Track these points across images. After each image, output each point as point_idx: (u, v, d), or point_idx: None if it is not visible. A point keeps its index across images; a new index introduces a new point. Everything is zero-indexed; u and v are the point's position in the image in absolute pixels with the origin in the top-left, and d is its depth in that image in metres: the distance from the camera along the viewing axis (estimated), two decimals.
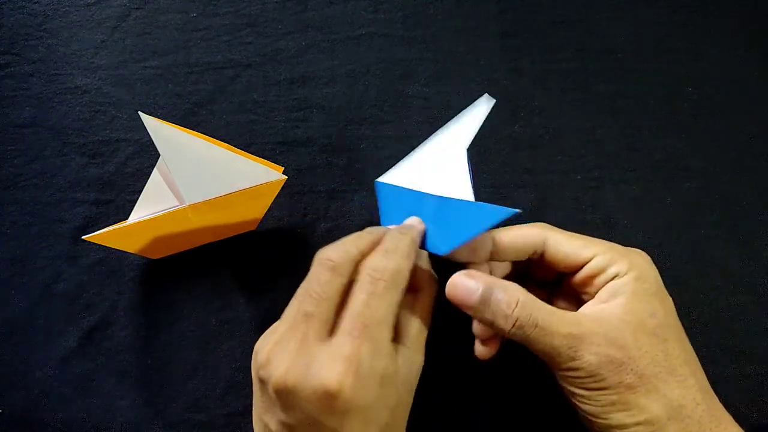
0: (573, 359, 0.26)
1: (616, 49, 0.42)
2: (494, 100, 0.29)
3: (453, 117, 0.41)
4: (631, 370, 0.25)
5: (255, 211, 0.36)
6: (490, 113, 0.41)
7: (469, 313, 0.28)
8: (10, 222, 0.39)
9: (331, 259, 0.26)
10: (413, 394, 0.27)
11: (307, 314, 0.25)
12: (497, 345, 0.31)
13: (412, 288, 0.29)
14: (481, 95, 0.41)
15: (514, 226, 0.30)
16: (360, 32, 0.43)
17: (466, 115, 0.32)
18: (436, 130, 0.32)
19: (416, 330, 0.28)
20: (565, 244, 0.29)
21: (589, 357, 0.25)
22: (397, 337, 0.27)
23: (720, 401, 0.27)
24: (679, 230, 0.38)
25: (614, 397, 0.25)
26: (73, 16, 0.43)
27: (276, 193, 0.35)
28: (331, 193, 0.40)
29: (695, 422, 0.26)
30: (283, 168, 0.36)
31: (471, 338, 0.32)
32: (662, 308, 0.27)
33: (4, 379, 0.36)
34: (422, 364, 0.28)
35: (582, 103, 0.41)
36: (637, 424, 0.25)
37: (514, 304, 0.26)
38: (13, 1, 0.43)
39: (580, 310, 0.28)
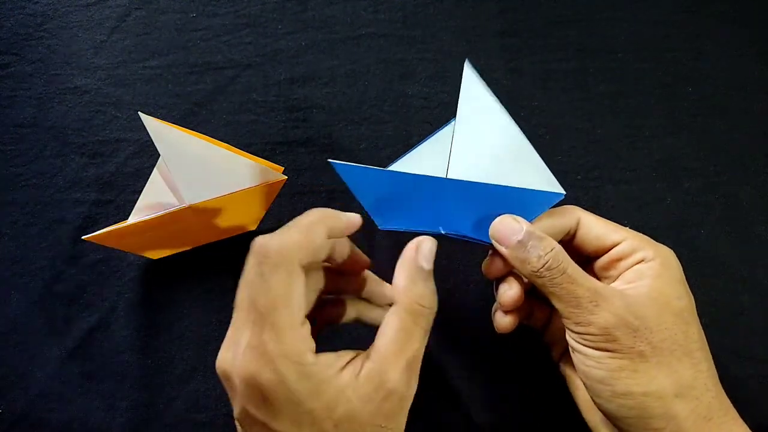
0: (591, 312, 0.26)
1: (616, 49, 0.42)
2: (468, 63, 0.29)
3: (453, 117, 0.41)
4: (646, 339, 0.25)
5: (255, 211, 0.36)
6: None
7: (504, 252, 0.28)
8: (10, 222, 0.39)
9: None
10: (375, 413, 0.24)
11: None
12: (518, 318, 0.31)
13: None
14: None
15: (548, 212, 0.30)
16: (360, 32, 0.43)
17: (465, 94, 0.30)
18: (437, 130, 0.32)
19: (384, 342, 0.25)
20: (596, 227, 0.29)
21: (606, 315, 0.25)
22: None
23: None
24: (679, 230, 0.38)
25: (625, 362, 0.25)
26: (73, 16, 0.43)
27: (276, 193, 0.35)
28: (331, 193, 0.40)
29: (704, 406, 0.26)
30: (283, 168, 0.36)
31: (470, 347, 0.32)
32: (687, 296, 0.28)
33: (4, 379, 0.36)
34: (392, 386, 0.24)
35: (582, 103, 0.41)
36: (644, 394, 0.25)
37: (550, 248, 0.27)
38: (13, 1, 0.43)
39: (621, 289, 0.28)
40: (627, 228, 0.30)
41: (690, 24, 0.43)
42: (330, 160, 0.28)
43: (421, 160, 0.31)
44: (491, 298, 0.38)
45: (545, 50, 0.42)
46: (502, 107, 0.30)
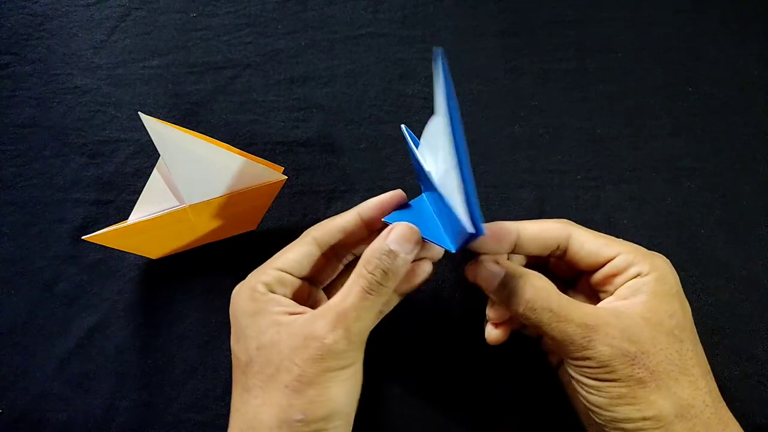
0: (586, 348, 0.26)
1: (616, 49, 0.42)
2: (439, 50, 0.25)
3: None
4: (644, 365, 0.25)
5: (255, 211, 0.36)
6: (489, 113, 0.41)
7: (488, 293, 0.29)
8: (10, 222, 0.39)
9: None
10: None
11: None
12: (508, 330, 0.31)
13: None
14: (480, 94, 0.41)
15: (539, 220, 0.30)
16: (360, 32, 0.43)
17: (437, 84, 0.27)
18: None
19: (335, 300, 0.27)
20: (588, 242, 0.29)
21: (602, 348, 0.25)
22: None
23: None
24: (679, 230, 0.38)
25: (623, 390, 0.25)
26: (73, 16, 0.43)
27: (276, 193, 0.35)
28: (331, 193, 0.40)
29: (702, 423, 0.25)
30: (283, 168, 0.36)
31: (464, 345, 0.32)
32: (681, 311, 0.27)
33: (4, 379, 0.36)
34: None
35: (582, 103, 0.41)
36: (644, 419, 0.25)
37: (531, 289, 0.27)
38: (13, 1, 0.43)
39: (598, 305, 0.28)
40: (622, 240, 0.29)
41: (690, 24, 0.43)
42: (425, 238, 0.27)
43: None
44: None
45: (545, 50, 0.42)
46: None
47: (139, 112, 0.30)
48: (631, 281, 0.28)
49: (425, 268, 0.30)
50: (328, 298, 0.31)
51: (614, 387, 0.26)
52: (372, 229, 0.30)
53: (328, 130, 0.41)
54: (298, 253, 0.29)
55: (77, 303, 0.38)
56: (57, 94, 0.41)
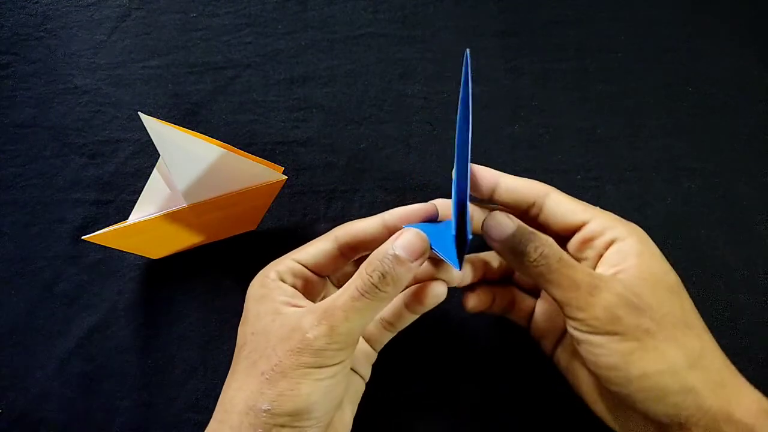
0: (592, 294, 0.26)
1: (616, 49, 0.42)
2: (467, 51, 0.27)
3: (453, 117, 0.41)
4: (649, 317, 0.25)
5: (255, 210, 0.36)
6: (489, 113, 0.41)
7: (495, 246, 0.28)
8: (10, 222, 0.39)
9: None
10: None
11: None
12: (487, 297, 0.32)
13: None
14: (480, 94, 0.41)
15: (520, 177, 0.30)
16: (360, 32, 0.43)
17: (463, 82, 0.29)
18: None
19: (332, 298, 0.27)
20: (565, 203, 0.29)
21: (607, 294, 0.26)
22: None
23: None
24: (679, 230, 0.38)
25: (634, 344, 0.25)
26: (73, 16, 0.43)
27: (276, 193, 0.35)
28: (331, 193, 0.40)
29: (716, 373, 0.26)
30: (283, 168, 0.36)
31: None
32: (672, 270, 0.28)
33: (4, 379, 0.36)
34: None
35: (582, 103, 0.41)
36: (659, 372, 0.25)
37: (544, 239, 0.27)
38: (13, 1, 0.43)
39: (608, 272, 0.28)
40: (595, 207, 0.29)
41: (690, 24, 0.43)
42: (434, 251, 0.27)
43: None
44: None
45: (545, 50, 0.42)
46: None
47: (139, 112, 0.30)
48: (613, 247, 0.28)
49: (437, 290, 0.29)
50: None
51: (624, 341, 0.25)
52: None
53: (328, 130, 0.41)
54: (317, 248, 0.30)
55: (77, 303, 0.38)
56: (57, 94, 0.41)
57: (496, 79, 0.42)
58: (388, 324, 0.31)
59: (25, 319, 0.37)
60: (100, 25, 0.42)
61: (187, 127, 0.33)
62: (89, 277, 0.38)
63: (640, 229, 0.29)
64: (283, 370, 0.25)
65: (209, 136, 0.34)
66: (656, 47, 0.42)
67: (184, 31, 0.42)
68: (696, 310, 0.27)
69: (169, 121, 0.32)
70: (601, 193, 0.39)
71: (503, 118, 0.41)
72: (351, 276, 0.27)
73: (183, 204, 0.33)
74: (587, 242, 0.29)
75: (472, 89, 0.42)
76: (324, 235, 0.30)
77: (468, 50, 0.26)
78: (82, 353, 0.37)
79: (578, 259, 0.29)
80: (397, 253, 0.26)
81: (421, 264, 0.27)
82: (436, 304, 0.30)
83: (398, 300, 0.31)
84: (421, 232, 0.27)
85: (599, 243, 0.28)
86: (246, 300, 0.29)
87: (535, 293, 0.33)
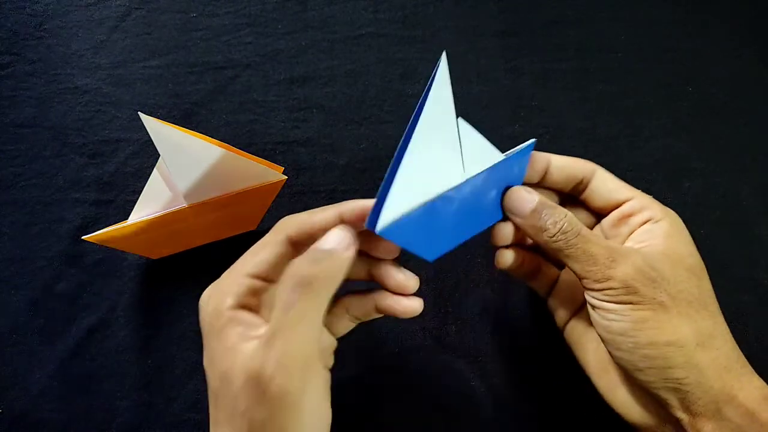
0: (609, 267, 0.26)
1: (616, 49, 0.42)
2: (444, 54, 0.27)
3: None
4: (665, 290, 0.26)
5: (255, 210, 0.36)
6: (489, 113, 0.41)
7: (519, 221, 0.29)
8: (10, 222, 0.39)
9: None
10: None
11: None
12: (520, 254, 0.31)
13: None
14: (480, 94, 0.41)
15: (570, 157, 0.31)
16: (360, 32, 0.43)
17: (432, 87, 0.27)
18: (442, 54, 0.28)
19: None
20: (610, 181, 0.30)
21: (624, 267, 0.26)
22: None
23: None
24: None
25: (647, 313, 0.26)
26: (73, 16, 0.43)
27: (276, 193, 0.35)
28: (331, 193, 0.40)
29: (724, 356, 0.26)
30: (283, 168, 0.36)
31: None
32: (697, 254, 0.28)
33: (4, 379, 0.36)
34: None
35: (582, 103, 0.41)
36: (667, 343, 0.25)
37: (563, 214, 0.28)
38: (13, 1, 0.43)
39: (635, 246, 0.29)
40: (636, 189, 0.30)
41: (690, 24, 0.43)
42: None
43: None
44: (493, 297, 0.38)
45: (545, 50, 0.42)
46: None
47: (139, 112, 0.30)
48: (645, 226, 0.29)
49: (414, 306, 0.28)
50: None
51: (637, 310, 0.26)
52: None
53: (328, 130, 0.41)
54: (273, 255, 0.26)
55: (77, 303, 0.38)
56: (57, 94, 0.41)
57: (496, 79, 0.42)
58: (353, 318, 0.30)
59: (25, 319, 0.37)
60: (100, 24, 0.42)
61: (187, 127, 0.33)
62: (89, 277, 0.38)
63: (676, 215, 0.29)
64: (261, 425, 0.23)
65: (209, 136, 0.34)
66: (656, 47, 0.42)
67: (184, 31, 0.42)
68: (714, 296, 0.28)
69: (169, 121, 0.32)
70: None
71: (503, 118, 0.41)
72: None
73: (183, 204, 0.33)
74: (624, 219, 0.30)
75: (472, 89, 0.42)
76: (273, 234, 0.27)
77: (445, 53, 0.26)
78: (82, 353, 0.37)
79: (610, 237, 0.30)
80: (328, 248, 0.24)
81: (353, 249, 0.25)
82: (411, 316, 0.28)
83: (370, 302, 0.29)
84: (345, 228, 0.25)
85: (635, 220, 0.29)
86: (203, 330, 0.26)
87: (559, 265, 0.34)
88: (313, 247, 0.25)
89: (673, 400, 0.26)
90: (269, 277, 0.26)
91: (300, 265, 0.24)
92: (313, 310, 0.24)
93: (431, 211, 0.26)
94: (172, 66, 0.42)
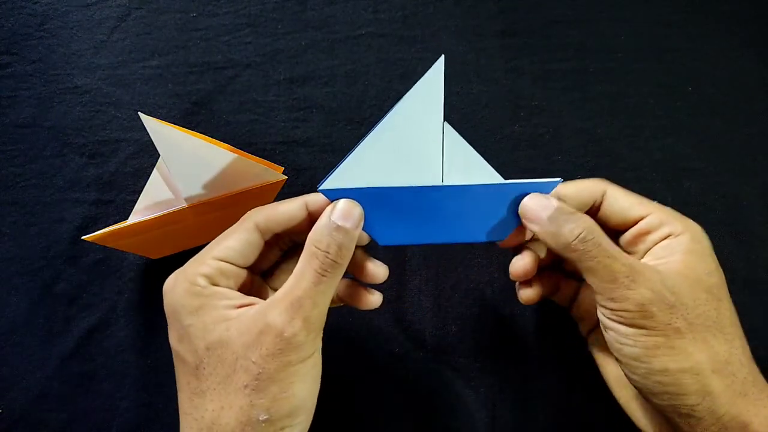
0: (628, 288, 0.25)
1: (616, 49, 0.42)
2: (442, 57, 0.27)
3: (453, 117, 0.41)
4: (682, 315, 0.25)
5: None
6: (489, 113, 0.41)
7: (535, 229, 0.28)
8: (10, 222, 0.39)
9: None
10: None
11: None
12: (540, 289, 0.31)
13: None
14: (480, 94, 0.41)
15: (575, 180, 0.30)
16: (360, 32, 0.43)
17: (418, 83, 0.28)
18: (440, 57, 0.28)
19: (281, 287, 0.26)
20: (622, 198, 0.29)
21: (643, 290, 0.25)
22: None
23: None
24: None
25: (661, 339, 0.25)
26: (73, 16, 0.43)
27: (276, 193, 0.35)
28: None
29: (739, 382, 0.25)
30: (283, 168, 0.36)
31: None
32: (717, 271, 0.27)
33: (4, 379, 0.36)
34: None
35: (582, 103, 0.41)
36: (681, 371, 0.25)
37: (583, 221, 0.27)
38: (13, 1, 0.43)
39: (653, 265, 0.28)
40: (654, 202, 0.29)
41: (690, 24, 0.43)
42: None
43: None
44: (493, 297, 0.38)
45: (545, 50, 0.42)
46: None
47: (139, 112, 0.30)
48: (664, 242, 0.28)
49: (373, 301, 0.30)
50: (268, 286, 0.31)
51: (651, 336, 0.25)
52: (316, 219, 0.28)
53: (328, 130, 0.41)
54: (240, 241, 0.27)
55: (77, 303, 0.38)
56: (57, 94, 0.41)
57: (496, 79, 0.42)
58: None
59: (25, 319, 0.37)
60: (100, 24, 0.42)
61: (187, 127, 0.33)
62: (89, 277, 0.38)
63: (698, 227, 0.28)
64: (269, 376, 0.24)
65: (209, 136, 0.34)
66: (656, 47, 0.42)
67: (184, 31, 0.42)
68: (735, 316, 0.27)
69: (169, 121, 0.32)
70: None
71: (503, 118, 0.41)
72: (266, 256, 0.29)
73: (183, 204, 0.33)
74: (642, 236, 0.28)
75: (472, 89, 0.42)
76: (240, 223, 0.28)
77: (443, 56, 0.27)
78: (82, 353, 0.37)
79: (632, 253, 0.29)
80: (340, 224, 0.26)
81: (359, 230, 0.27)
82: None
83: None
84: (351, 200, 0.27)
85: (653, 237, 0.28)
86: (173, 313, 0.26)
87: (578, 277, 0.33)
88: (329, 221, 0.26)
89: (685, 425, 0.26)
90: (237, 262, 0.27)
91: (324, 242, 0.26)
92: (333, 284, 0.26)
93: (383, 195, 0.27)
94: (172, 66, 0.42)
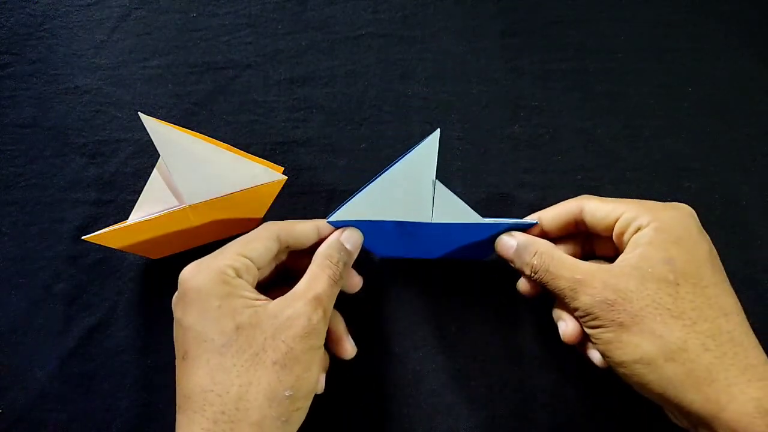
0: (573, 299, 0.28)
1: (616, 49, 0.42)
2: (438, 130, 0.31)
3: (453, 117, 0.41)
4: (624, 309, 0.27)
5: (255, 211, 0.36)
6: (489, 113, 0.41)
7: (512, 264, 0.32)
8: (10, 222, 0.39)
9: None
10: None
11: None
12: (535, 285, 0.33)
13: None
14: (480, 94, 0.41)
15: (557, 204, 0.33)
16: (360, 32, 0.43)
17: (416, 148, 0.32)
18: (436, 130, 0.31)
19: (298, 285, 0.30)
20: (598, 210, 0.31)
21: (584, 298, 0.28)
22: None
23: None
24: None
25: (611, 335, 0.27)
26: (73, 16, 0.43)
27: (276, 193, 0.35)
28: (331, 193, 0.40)
29: (702, 368, 0.25)
30: (283, 168, 0.36)
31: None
32: (684, 255, 0.27)
33: (4, 379, 0.36)
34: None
35: (582, 103, 0.41)
36: (634, 362, 0.26)
37: (533, 253, 0.31)
38: (13, 1, 0.43)
39: (614, 263, 0.29)
40: (629, 200, 0.30)
41: (690, 24, 0.43)
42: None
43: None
44: (493, 297, 0.38)
45: (545, 50, 0.42)
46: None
47: (139, 112, 0.30)
48: (634, 236, 0.29)
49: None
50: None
51: (603, 332, 0.27)
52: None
53: (328, 130, 0.41)
54: (263, 246, 0.31)
55: (77, 303, 0.38)
56: (57, 94, 0.41)
57: (496, 79, 0.42)
58: None
59: (25, 319, 0.37)
60: (101, 25, 0.42)
61: (187, 127, 0.33)
62: (89, 277, 0.38)
63: (671, 214, 0.29)
64: (296, 356, 0.27)
65: (209, 136, 0.34)
66: (656, 47, 0.42)
67: (184, 31, 0.42)
68: (706, 297, 0.26)
69: (169, 121, 0.32)
70: (601, 193, 0.39)
71: (503, 118, 0.41)
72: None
73: (183, 204, 0.33)
74: (620, 236, 0.30)
75: (472, 89, 0.42)
76: (263, 230, 0.31)
77: (438, 130, 0.31)
78: (82, 353, 0.37)
79: (622, 251, 0.30)
80: (346, 246, 0.32)
81: (357, 252, 0.33)
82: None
83: None
84: (355, 228, 0.33)
85: (627, 235, 0.29)
86: (198, 294, 0.28)
87: None
88: (340, 238, 0.32)
89: (674, 412, 0.27)
90: (257, 263, 0.30)
91: (335, 256, 0.31)
92: (337, 291, 0.31)
93: (379, 226, 0.33)
94: (172, 66, 0.42)
